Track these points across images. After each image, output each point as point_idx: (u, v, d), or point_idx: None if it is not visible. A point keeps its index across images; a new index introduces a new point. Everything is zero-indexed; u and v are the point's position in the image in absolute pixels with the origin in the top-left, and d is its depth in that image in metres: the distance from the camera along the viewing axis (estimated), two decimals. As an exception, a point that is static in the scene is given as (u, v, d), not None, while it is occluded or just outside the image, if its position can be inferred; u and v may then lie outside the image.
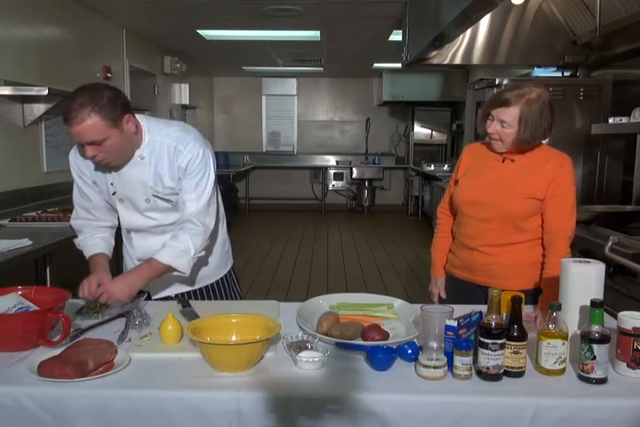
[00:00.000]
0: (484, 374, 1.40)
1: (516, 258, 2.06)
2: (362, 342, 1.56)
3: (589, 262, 1.60)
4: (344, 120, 10.72)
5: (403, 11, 4.83)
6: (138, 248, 2.09)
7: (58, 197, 4.01)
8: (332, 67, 8.91)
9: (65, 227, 2.78)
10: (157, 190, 1.94)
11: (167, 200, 1.96)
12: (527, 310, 1.83)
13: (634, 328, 1.38)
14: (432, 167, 8.57)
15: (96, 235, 2.07)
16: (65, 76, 4.43)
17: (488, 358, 1.39)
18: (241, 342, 1.50)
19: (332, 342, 1.55)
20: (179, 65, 7.35)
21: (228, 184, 9.21)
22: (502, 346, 1.40)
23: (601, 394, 1.34)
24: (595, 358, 1.37)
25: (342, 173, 10.54)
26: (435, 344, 1.49)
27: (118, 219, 2.10)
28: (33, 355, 1.49)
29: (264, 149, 10.80)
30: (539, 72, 5.08)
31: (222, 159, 9.03)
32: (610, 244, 2.38)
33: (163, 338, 1.58)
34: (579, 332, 1.45)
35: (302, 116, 10.72)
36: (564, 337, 1.42)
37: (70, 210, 2.14)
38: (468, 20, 3.33)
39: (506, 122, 1.96)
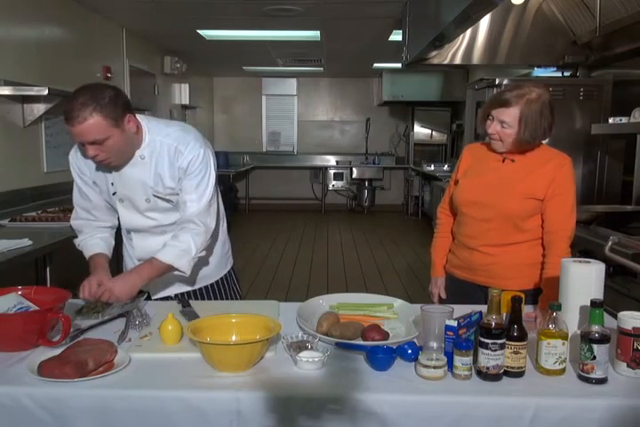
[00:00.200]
0: (484, 374, 1.40)
1: (516, 258, 2.06)
2: (362, 342, 1.56)
3: (589, 262, 1.60)
4: (344, 120, 10.72)
5: (403, 11, 4.83)
6: (138, 248, 2.09)
7: (58, 197, 4.01)
8: (332, 67, 8.91)
9: (65, 227, 2.78)
10: (158, 190, 1.94)
11: (167, 200, 1.97)
12: (527, 310, 1.83)
13: (634, 328, 1.38)
14: (432, 167, 8.57)
15: (96, 235, 2.07)
16: (65, 76, 4.43)
17: (488, 358, 1.39)
18: (241, 342, 1.50)
19: (332, 342, 1.55)
20: (179, 65, 7.35)
21: (227, 184, 9.21)
22: (502, 346, 1.40)
23: (601, 394, 1.34)
24: (595, 358, 1.37)
25: (342, 173, 10.54)
26: (435, 344, 1.49)
27: (118, 219, 2.10)
28: (33, 355, 1.49)
29: (264, 149, 10.80)
30: (539, 72, 5.09)
31: (222, 159, 9.03)
32: (610, 244, 2.38)
33: (163, 338, 1.58)
34: (579, 332, 1.45)
35: (302, 116, 10.72)
36: (564, 337, 1.42)
37: (70, 210, 2.15)
38: (468, 20, 3.33)
39: (506, 122, 1.96)
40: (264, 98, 10.66)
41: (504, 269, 2.06)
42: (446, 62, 4.52)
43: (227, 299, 2.20)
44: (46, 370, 1.36)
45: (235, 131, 10.71)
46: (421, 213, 9.42)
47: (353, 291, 3.07)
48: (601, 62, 4.18)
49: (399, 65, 5.41)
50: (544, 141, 2.06)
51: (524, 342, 1.43)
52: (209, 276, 2.16)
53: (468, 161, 2.19)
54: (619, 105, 3.89)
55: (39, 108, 3.91)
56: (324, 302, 1.88)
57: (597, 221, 2.89)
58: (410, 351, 1.46)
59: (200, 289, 2.15)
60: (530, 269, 2.04)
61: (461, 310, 1.56)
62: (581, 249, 2.59)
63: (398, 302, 1.88)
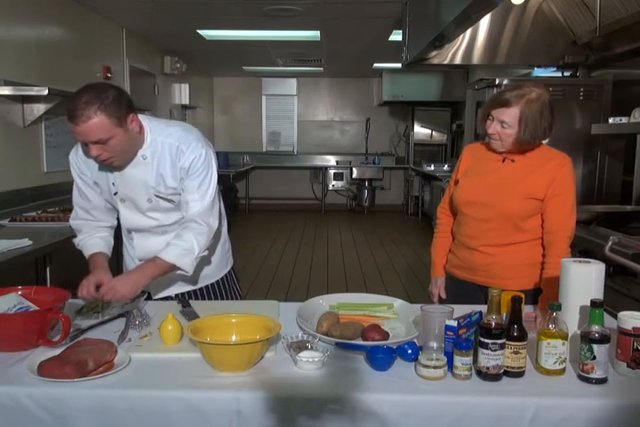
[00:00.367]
0: (484, 374, 1.40)
1: (516, 258, 2.06)
2: (362, 342, 1.56)
3: (589, 262, 1.60)
4: (344, 120, 10.72)
5: (403, 11, 4.83)
6: (139, 248, 2.09)
7: (58, 197, 4.01)
8: (332, 67, 8.91)
9: (65, 227, 2.78)
10: (160, 190, 1.94)
11: (169, 200, 1.97)
12: (527, 310, 1.83)
13: (634, 328, 1.38)
14: (432, 167, 8.57)
15: (95, 234, 2.07)
16: (65, 76, 4.43)
17: (488, 358, 1.39)
18: (241, 342, 1.50)
19: (332, 342, 1.55)
20: (179, 65, 7.35)
21: (228, 184, 9.21)
22: (502, 346, 1.40)
23: (601, 394, 1.34)
24: (595, 358, 1.37)
25: (342, 173, 10.54)
26: (435, 344, 1.49)
27: (118, 219, 2.10)
28: (33, 355, 1.49)
29: (264, 149, 10.80)
30: (539, 72, 5.09)
31: (222, 159, 9.03)
32: (610, 244, 2.38)
33: (163, 338, 1.58)
34: (579, 332, 1.45)
35: (302, 116, 10.72)
36: (564, 337, 1.42)
37: (70, 210, 2.14)
38: (468, 20, 3.33)
39: (506, 122, 1.96)
40: (264, 98, 10.66)
41: (504, 269, 2.06)
42: (446, 62, 4.52)
43: (227, 299, 2.20)
44: (46, 370, 1.36)
45: (235, 131, 10.70)
46: (421, 213, 9.42)
47: (353, 291, 3.07)
48: (601, 62, 4.18)
49: (399, 65, 5.41)
50: (544, 141, 2.06)
51: (524, 342, 1.43)
52: (209, 276, 2.16)
53: (468, 161, 2.19)
54: (619, 105, 3.89)
55: (39, 108, 3.91)
56: (323, 302, 1.88)
57: (597, 221, 2.89)
58: (410, 351, 1.46)
59: (200, 289, 2.15)
60: (530, 269, 2.04)
61: (461, 310, 1.56)
62: (581, 249, 2.59)
63: (398, 302, 1.88)
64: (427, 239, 2.64)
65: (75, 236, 2.11)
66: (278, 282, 5.63)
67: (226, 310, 1.68)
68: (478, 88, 4.49)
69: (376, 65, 8.62)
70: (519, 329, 1.43)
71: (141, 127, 1.88)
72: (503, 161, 2.07)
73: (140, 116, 1.91)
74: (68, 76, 4.47)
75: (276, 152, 10.75)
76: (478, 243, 2.09)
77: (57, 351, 1.46)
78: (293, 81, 10.49)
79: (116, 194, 1.99)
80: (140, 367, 1.44)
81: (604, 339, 1.37)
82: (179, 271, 1.91)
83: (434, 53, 4.38)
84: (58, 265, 2.86)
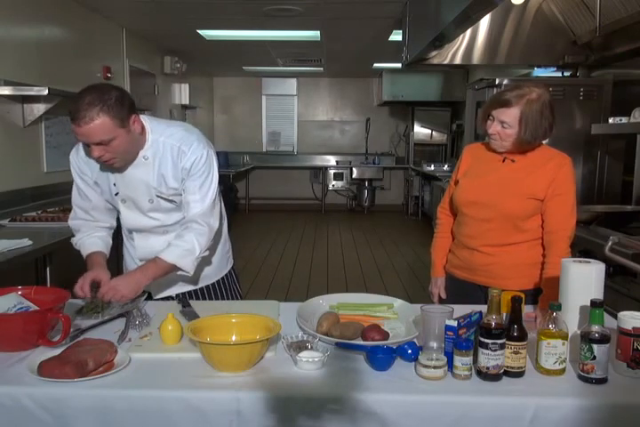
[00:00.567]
0: (484, 374, 1.40)
1: (516, 258, 2.06)
2: (362, 342, 1.56)
3: (589, 262, 1.60)
4: (344, 120, 10.72)
5: (403, 11, 4.83)
6: (139, 248, 2.09)
7: (58, 197, 4.01)
8: (332, 67, 8.91)
9: (65, 227, 2.76)
10: (161, 191, 1.94)
11: (170, 201, 1.97)
12: (527, 310, 1.83)
13: (634, 328, 1.38)
14: (432, 167, 8.57)
15: (93, 234, 2.07)
16: (65, 76, 4.43)
17: (488, 358, 1.39)
18: (241, 342, 1.50)
19: (332, 342, 1.55)
20: (179, 65, 7.35)
21: (228, 184, 9.21)
22: (502, 346, 1.40)
23: (601, 394, 1.34)
24: (595, 358, 1.37)
25: (342, 173, 10.54)
26: (435, 344, 1.49)
27: (118, 220, 2.10)
28: (33, 355, 1.49)
29: (264, 149, 10.80)
30: (539, 72, 5.09)
31: (222, 159, 9.04)
32: (610, 244, 2.38)
33: (163, 338, 1.58)
34: (579, 332, 1.45)
35: (302, 116, 10.72)
36: (564, 337, 1.42)
37: (70, 210, 2.14)
38: (468, 20, 3.33)
39: (506, 122, 1.96)
40: (264, 98, 10.66)
41: (504, 269, 2.06)
42: (446, 62, 4.52)
43: (227, 299, 2.20)
44: (46, 370, 1.36)
45: (235, 131, 10.71)
46: (421, 213, 9.42)
47: (353, 291, 3.07)
48: (601, 62, 4.18)
49: (399, 65, 5.41)
50: (544, 141, 2.06)
51: (524, 342, 1.43)
52: (210, 276, 2.16)
53: (468, 161, 2.19)
54: (619, 105, 3.89)
55: (39, 108, 3.91)
56: (324, 302, 1.88)
57: (597, 221, 2.89)
58: (410, 351, 1.46)
59: (200, 289, 2.15)
60: (530, 269, 2.04)
61: (461, 310, 1.56)
62: (581, 249, 2.59)
63: (398, 302, 1.88)
64: (427, 239, 2.64)
65: (73, 235, 2.11)
66: (278, 282, 5.63)
67: (226, 310, 1.68)
68: (478, 88, 4.49)
69: (376, 65, 8.62)
70: (519, 329, 1.43)
71: (143, 128, 1.88)
72: (503, 161, 2.07)
73: (142, 117, 1.91)
74: (68, 76, 4.47)
75: (275, 152, 10.75)
76: (478, 243, 2.09)
77: (57, 351, 1.46)
78: (293, 81, 10.49)
79: (117, 194, 1.99)
80: (140, 367, 1.44)
81: (603, 339, 1.37)
82: (180, 272, 1.91)
83: (434, 53, 4.38)
84: (58, 265, 2.86)
